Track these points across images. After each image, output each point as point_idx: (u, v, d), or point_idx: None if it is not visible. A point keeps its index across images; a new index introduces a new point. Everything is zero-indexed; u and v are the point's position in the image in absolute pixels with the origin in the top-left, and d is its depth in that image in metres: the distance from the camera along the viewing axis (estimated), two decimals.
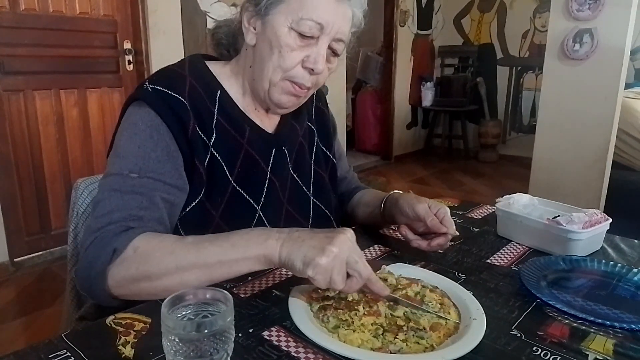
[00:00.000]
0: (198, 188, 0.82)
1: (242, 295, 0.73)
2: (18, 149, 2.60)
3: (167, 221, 0.78)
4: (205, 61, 0.91)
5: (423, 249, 0.88)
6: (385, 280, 0.73)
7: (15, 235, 2.62)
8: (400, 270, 0.78)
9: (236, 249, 0.66)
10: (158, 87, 0.81)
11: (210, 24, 3.24)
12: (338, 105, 4.40)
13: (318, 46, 0.81)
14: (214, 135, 0.84)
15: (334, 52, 0.85)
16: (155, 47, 2.99)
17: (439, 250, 0.91)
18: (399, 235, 0.99)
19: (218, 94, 0.87)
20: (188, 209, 0.82)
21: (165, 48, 3.03)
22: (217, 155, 0.84)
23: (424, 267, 0.83)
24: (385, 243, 0.96)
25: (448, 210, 0.87)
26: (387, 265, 0.79)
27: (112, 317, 0.65)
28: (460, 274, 0.82)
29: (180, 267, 0.67)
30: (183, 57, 0.91)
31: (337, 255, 0.61)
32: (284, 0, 0.80)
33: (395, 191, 0.99)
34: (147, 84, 0.82)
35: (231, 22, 0.93)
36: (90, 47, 2.82)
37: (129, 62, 2.98)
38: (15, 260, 2.61)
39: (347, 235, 0.64)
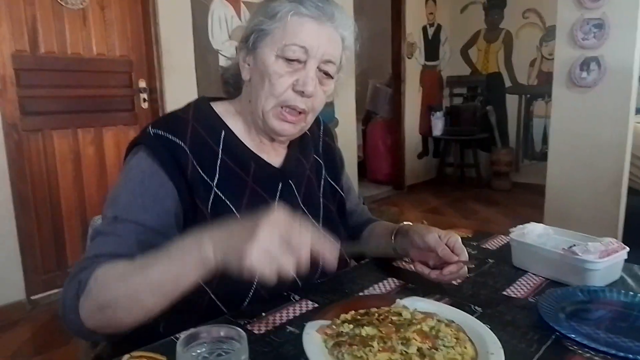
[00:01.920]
0: (201, 227, 0.83)
1: (257, 332, 0.73)
2: (36, 188, 2.66)
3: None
4: (212, 102, 0.94)
5: (439, 280, 0.87)
6: (399, 314, 0.72)
7: (32, 273, 2.64)
8: (415, 304, 0.77)
9: (175, 262, 0.66)
10: (159, 132, 0.84)
11: (222, 62, 3.33)
12: (348, 136, 4.44)
13: (306, 69, 0.84)
14: (217, 175, 0.86)
15: (325, 74, 0.87)
16: (169, 85, 3.07)
17: (456, 281, 0.90)
18: (412, 267, 0.99)
19: (222, 134, 0.89)
20: None
21: (179, 86, 3.12)
22: (221, 195, 0.86)
23: (439, 301, 0.82)
24: (399, 276, 0.96)
25: (459, 238, 0.87)
26: (401, 299, 0.78)
27: (127, 355, 0.65)
28: (476, 307, 0.81)
29: (131, 290, 0.67)
30: (195, 95, 0.95)
31: (267, 242, 0.60)
32: (269, 32, 0.84)
33: (405, 223, 0.99)
34: (150, 128, 0.85)
35: (235, 63, 0.97)
36: (106, 86, 2.91)
37: (144, 100, 3.06)
38: (31, 298, 2.62)
39: (273, 217, 0.62)
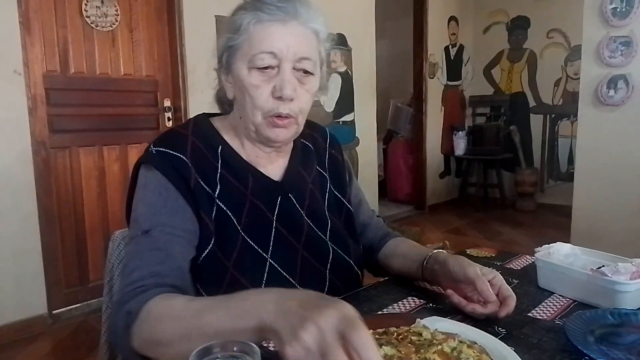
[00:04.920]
0: (207, 237, 0.84)
1: (272, 349, 0.71)
2: (62, 203, 2.71)
3: (186, 267, 0.81)
4: (211, 118, 0.96)
5: (478, 315, 0.81)
6: (419, 334, 0.70)
7: (55, 287, 2.68)
8: (436, 324, 0.75)
9: (234, 319, 0.61)
10: (161, 149, 0.86)
11: None
12: (369, 155, 4.43)
13: (281, 73, 0.83)
14: (218, 187, 0.87)
15: (305, 72, 0.86)
16: (192, 104, 3.13)
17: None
18: (434, 288, 0.96)
19: (220, 149, 0.90)
20: (200, 260, 0.84)
21: (202, 104, 3.10)
22: (223, 207, 0.86)
23: (461, 321, 0.80)
24: (420, 295, 0.93)
25: (503, 279, 0.82)
26: (421, 319, 0.76)
27: None
28: (500, 329, 0.78)
29: (183, 336, 0.66)
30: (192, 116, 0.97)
31: (326, 328, 0.51)
32: (238, 47, 0.84)
33: (439, 250, 0.94)
34: (152, 147, 0.87)
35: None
36: (132, 105, 2.99)
37: (168, 119, 3.12)
38: (53, 312, 2.66)
39: (340, 306, 0.55)
